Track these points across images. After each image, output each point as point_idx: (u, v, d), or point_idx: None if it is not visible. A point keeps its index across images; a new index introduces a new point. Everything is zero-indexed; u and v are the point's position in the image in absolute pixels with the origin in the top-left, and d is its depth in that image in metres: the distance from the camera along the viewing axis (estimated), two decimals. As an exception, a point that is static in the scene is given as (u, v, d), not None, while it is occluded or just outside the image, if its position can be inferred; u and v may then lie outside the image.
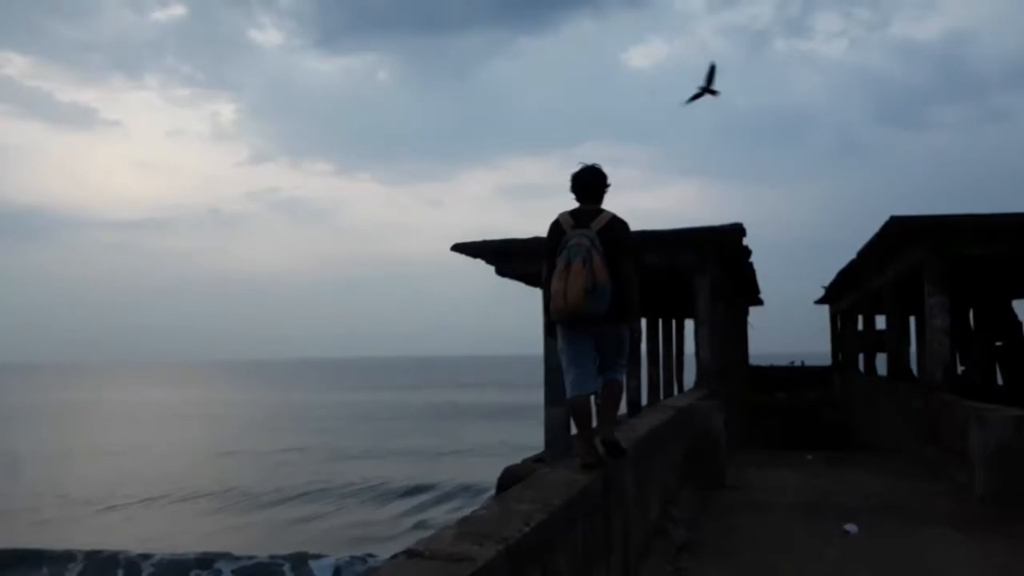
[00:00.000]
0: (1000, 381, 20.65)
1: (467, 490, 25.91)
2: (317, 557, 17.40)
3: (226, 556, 17.35)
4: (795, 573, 6.33)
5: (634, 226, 4.84)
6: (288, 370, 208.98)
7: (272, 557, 17.45)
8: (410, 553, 2.37)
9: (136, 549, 18.21)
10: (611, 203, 4.78)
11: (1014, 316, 20.38)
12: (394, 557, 2.38)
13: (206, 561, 17.05)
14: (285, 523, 22.94)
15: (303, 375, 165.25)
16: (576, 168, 4.76)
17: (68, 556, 17.46)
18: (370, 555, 17.51)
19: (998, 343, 20.70)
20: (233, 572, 16.52)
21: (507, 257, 15.48)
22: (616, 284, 4.37)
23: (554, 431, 14.89)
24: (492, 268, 16.05)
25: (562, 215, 4.62)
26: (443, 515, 22.74)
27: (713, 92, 7.36)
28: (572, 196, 4.76)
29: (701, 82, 7.37)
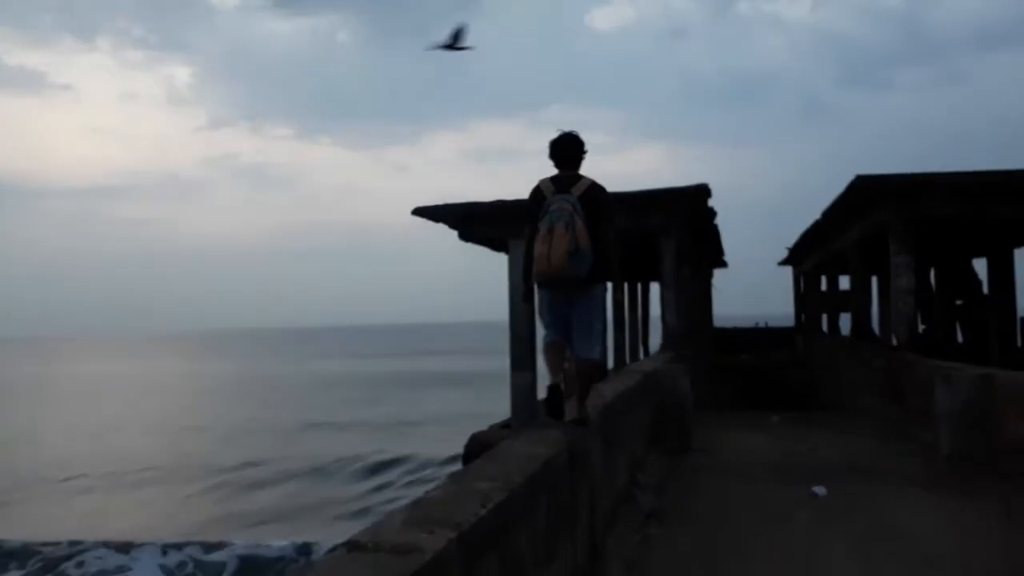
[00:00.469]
0: (960, 340, 20.89)
1: (432, 460, 25.58)
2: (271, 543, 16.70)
3: (172, 542, 16.64)
4: (764, 537, 6.23)
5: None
6: (251, 340, 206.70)
7: (221, 541, 16.63)
8: (351, 545, 2.11)
9: (72, 535, 17.42)
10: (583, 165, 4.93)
11: (974, 275, 20.56)
12: (334, 549, 2.13)
13: (147, 545, 16.32)
14: (238, 502, 21.95)
15: (266, 345, 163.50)
16: (554, 135, 4.86)
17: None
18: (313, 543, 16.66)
19: (958, 302, 20.90)
20: (191, 558, 15.95)
21: (470, 221, 15.19)
22: (596, 248, 4.51)
23: (520, 397, 14.75)
24: (455, 233, 15.73)
25: (543, 181, 4.76)
26: (406, 486, 22.47)
27: (460, 48, 7.28)
28: (549, 162, 4.87)
29: (465, 42, 7.27)
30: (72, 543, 16.60)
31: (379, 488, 23.12)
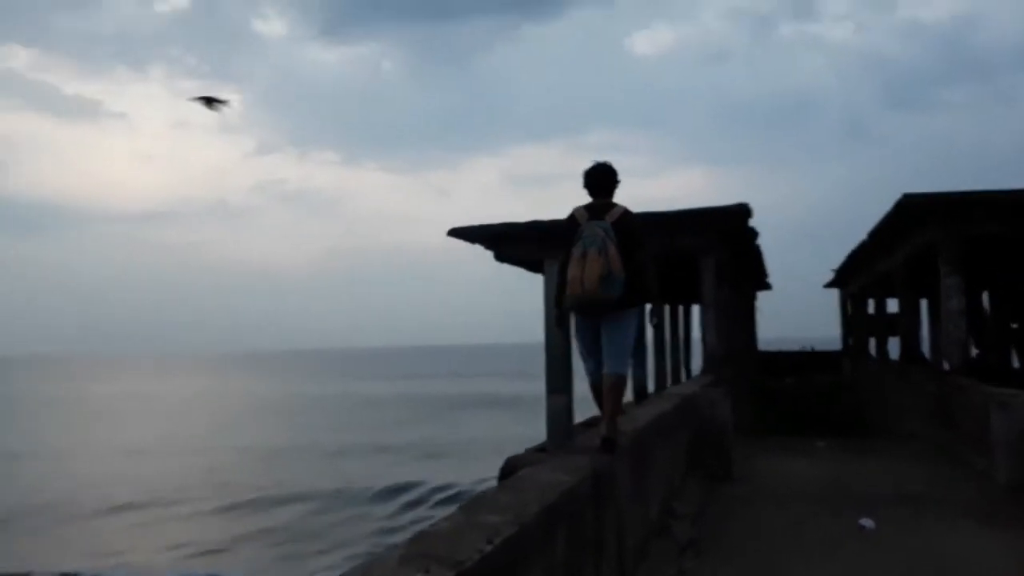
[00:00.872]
0: (1016, 364, 20.14)
1: (467, 482, 25.08)
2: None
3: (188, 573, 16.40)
4: (808, 572, 5.90)
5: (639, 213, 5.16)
6: (294, 361, 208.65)
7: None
8: (337, 584, 1.93)
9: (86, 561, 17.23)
10: (618, 191, 5.15)
11: (1030, 297, 19.87)
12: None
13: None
14: (265, 522, 21.44)
15: (309, 366, 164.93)
16: (588, 166, 5.07)
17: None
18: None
19: (1014, 325, 20.18)
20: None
21: (506, 242, 15.08)
22: (627, 273, 4.62)
23: (556, 420, 14.52)
24: (491, 254, 15.63)
25: (577, 208, 4.94)
26: (436, 507, 22.07)
27: (217, 102, 7.48)
28: (584, 191, 5.06)
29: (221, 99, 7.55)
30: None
31: (407, 507, 22.83)
